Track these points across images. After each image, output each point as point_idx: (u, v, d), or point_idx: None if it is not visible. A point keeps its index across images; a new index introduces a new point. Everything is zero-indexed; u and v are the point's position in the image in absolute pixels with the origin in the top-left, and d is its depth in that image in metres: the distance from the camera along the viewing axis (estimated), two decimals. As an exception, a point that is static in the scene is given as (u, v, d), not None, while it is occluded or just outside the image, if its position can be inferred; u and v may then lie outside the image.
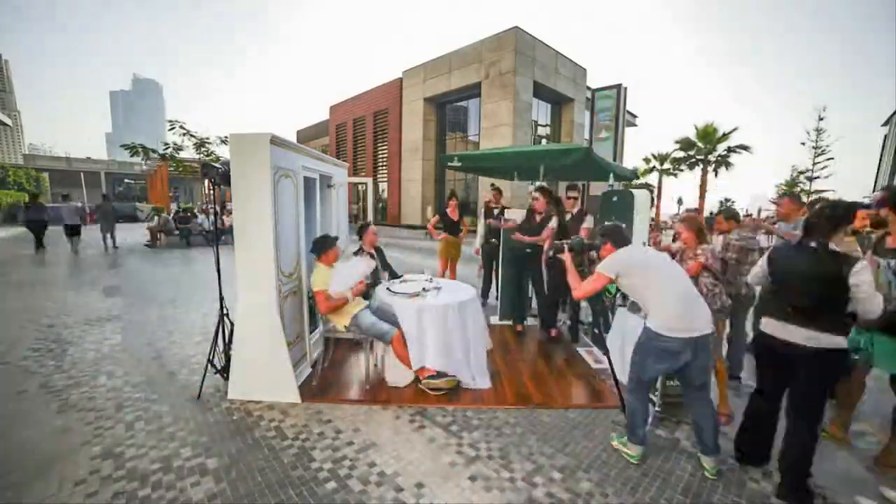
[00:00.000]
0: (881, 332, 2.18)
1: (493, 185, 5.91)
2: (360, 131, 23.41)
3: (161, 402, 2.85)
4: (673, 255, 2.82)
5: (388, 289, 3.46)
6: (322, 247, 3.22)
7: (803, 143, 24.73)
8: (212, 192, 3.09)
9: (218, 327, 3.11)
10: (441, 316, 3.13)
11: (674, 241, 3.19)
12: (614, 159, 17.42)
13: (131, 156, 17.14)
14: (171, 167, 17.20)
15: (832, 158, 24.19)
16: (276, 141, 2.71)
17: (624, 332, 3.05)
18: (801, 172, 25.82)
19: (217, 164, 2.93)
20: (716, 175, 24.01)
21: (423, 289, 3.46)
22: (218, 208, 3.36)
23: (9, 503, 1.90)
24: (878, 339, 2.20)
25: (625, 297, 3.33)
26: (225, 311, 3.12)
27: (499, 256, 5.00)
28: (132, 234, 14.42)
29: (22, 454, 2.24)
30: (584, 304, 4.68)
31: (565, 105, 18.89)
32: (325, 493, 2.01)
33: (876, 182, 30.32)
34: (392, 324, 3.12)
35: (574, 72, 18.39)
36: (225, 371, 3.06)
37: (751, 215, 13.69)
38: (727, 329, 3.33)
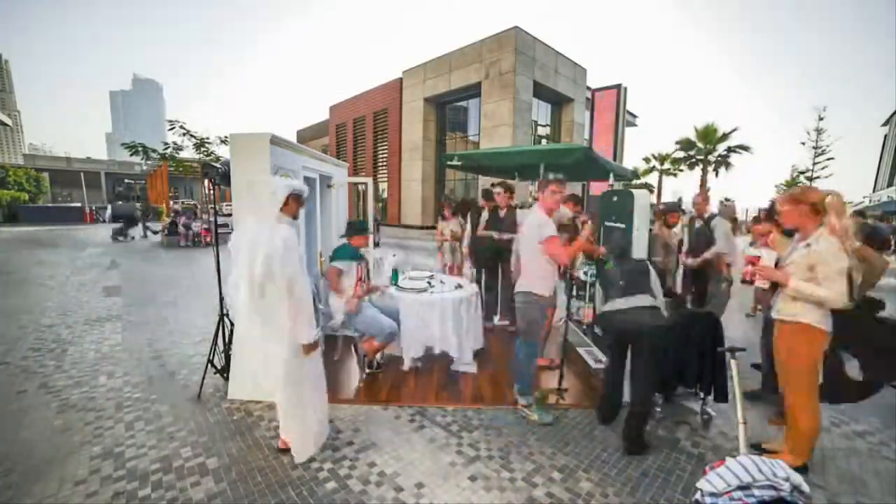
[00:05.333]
0: None
1: (494, 184, 5.91)
2: (360, 131, 23.40)
3: (161, 402, 2.85)
4: None
5: (396, 285, 3.68)
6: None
7: (803, 143, 24.76)
8: (212, 191, 3.09)
9: (218, 327, 3.11)
10: (447, 308, 3.38)
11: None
12: (614, 159, 17.41)
13: (131, 155, 17.14)
14: (171, 167, 17.20)
15: (832, 158, 24.21)
16: (276, 141, 2.71)
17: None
18: (802, 172, 25.83)
19: (217, 164, 2.93)
20: (716, 175, 24.02)
21: (429, 283, 3.74)
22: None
23: (9, 503, 1.90)
24: None
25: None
26: (225, 311, 3.12)
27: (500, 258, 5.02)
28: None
29: (22, 454, 2.24)
30: (584, 304, 4.66)
31: (565, 105, 18.87)
32: (325, 493, 2.01)
33: (876, 182, 30.32)
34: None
35: (574, 72, 18.37)
36: (225, 371, 3.06)
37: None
38: None
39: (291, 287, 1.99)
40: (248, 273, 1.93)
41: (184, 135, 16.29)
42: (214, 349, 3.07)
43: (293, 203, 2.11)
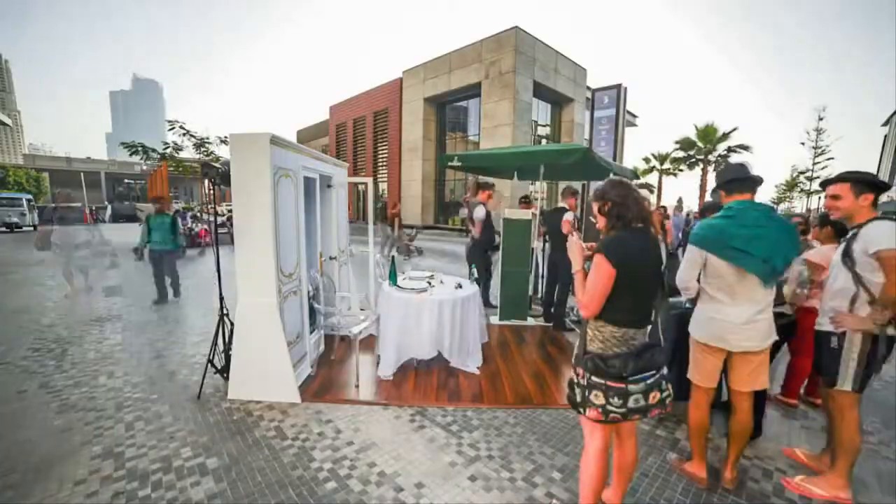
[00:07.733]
0: None
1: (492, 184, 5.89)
2: (360, 131, 23.42)
3: (161, 402, 2.84)
4: None
5: (396, 285, 3.62)
6: None
7: (803, 143, 24.79)
8: (212, 192, 3.09)
9: (218, 327, 3.11)
10: (447, 308, 3.35)
11: None
12: (614, 159, 17.41)
13: (131, 155, 17.11)
14: (171, 167, 17.17)
15: (832, 158, 24.24)
16: (276, 141, 2.71)
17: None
18: (801, 172, 25.86)
19: (217, 164, 2.93)
20: (716, 175, 23.98)
21: (429, 283, 3.70)
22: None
23: (9, 503, 1.90)
24: None
25: None
26: (225, 311, 3.12)
27: (498, 256, 5.02)
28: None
29: (22, 454, 2.24)
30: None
31: (565, 105, 18.89)
32: (325, 493, 2.01)
33: (876, 182, 30.22)
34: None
35: (574, 72, 18.39)
36: (225, 371, 3.06)
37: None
38: None
39: None
40: None
41: (184, 135, 16.27)
42: (214, 349, 3.07)
43: None
